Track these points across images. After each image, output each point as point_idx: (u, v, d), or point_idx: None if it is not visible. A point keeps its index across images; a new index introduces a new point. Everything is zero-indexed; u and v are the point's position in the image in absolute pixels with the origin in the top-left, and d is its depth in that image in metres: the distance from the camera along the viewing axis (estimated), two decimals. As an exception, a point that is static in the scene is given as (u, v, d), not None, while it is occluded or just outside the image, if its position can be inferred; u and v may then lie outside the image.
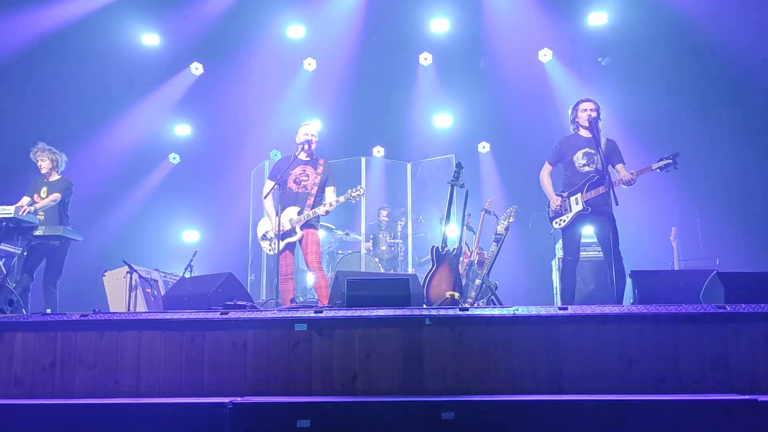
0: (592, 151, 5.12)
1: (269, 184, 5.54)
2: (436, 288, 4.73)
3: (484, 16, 8.22)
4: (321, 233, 5.57)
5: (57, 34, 7.76)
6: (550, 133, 7.76)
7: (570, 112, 5.38)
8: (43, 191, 5.70)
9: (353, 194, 5.38)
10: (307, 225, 5.40)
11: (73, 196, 5.87)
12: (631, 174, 4.94)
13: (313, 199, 5.43)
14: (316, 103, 8.59)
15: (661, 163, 4.89)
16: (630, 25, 7.89)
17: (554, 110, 8.02)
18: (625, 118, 7.68)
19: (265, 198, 5.51)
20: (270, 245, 5.50)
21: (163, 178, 9.12)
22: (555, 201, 5.18)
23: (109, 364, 3.16)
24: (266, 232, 5.55)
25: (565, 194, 5.18)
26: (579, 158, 5.16)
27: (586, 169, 5.12)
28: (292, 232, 5.38)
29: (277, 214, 5.33)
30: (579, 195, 5.07)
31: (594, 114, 5.13)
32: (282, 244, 5.37)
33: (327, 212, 5.38)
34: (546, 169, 5.39)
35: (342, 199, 5.40)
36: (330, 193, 5.50)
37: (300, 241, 5.41)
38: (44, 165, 5.77)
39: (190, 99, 8.80)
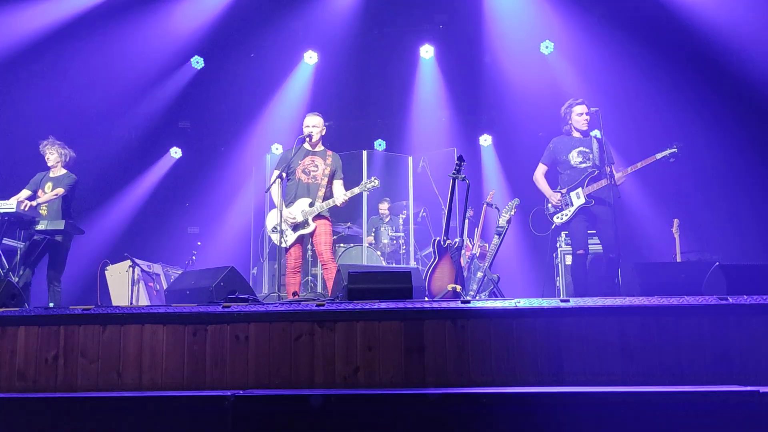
0: (587, 150, 5.15)
1: (275, 174, 5.45)
2: (438, 281, 4.74)
3: (485, 8, 8.19)
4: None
5: (57, 31, 7.72)
6: (551, 125, 7.72)
7: (563, 112, 5.37)
8: (48, 186, 5.69)
9: (368, 185, 5.37)
10: (320, 216, 5.37)
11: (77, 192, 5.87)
12: (624, 172, 5.04)
13: (324, 190, 5.39)
14: (317, 96, 8.57)
15: (666, 152, 4.91)
16: (628, 13, 7.85)
17: (556, 103, 7.98)
18: (626, 109, 7.64)
19: (267, 191, 5.47)
20: (282, 237, 5.38)
21: (164, 172, 9.12)
22: (555, 197, 5.19)
23: (112, 357, 3.17)
24: (276, 224, 5.47)
25: (564, 190, 5.19)
26: (574, 156, 5.19)
27: (584, 165, 5.15)
28: (304, 224, 5.34)
29: (287, 206, 5.31)
30: (580, 189, 5.08)
31: (589, 118, 5.18)
32: (294, 235, 5.35)
33: (344, 202, 5.34)
34: (540, 169, 5.41)
35: (357, 190, 5.37)
36: (338, 186, 5.45)
37: (312, 233, 5.39)
38: (52, 158, 5.77)
39: (191, 92, 8.79)
